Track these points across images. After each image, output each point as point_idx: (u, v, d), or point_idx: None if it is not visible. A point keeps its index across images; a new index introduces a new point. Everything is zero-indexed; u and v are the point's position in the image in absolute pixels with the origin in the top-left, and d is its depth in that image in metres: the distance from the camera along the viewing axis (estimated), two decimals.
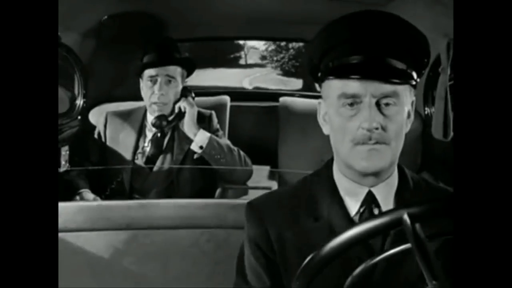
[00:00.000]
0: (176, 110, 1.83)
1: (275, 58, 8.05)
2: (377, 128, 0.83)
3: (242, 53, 8.27)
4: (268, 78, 7.63)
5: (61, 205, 1.19)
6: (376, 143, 0.84)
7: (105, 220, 1.24)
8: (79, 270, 1.23)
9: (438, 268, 0.62)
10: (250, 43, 7.78)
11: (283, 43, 7.36)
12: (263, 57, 8.24)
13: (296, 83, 7.03)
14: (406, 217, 0.66)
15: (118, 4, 1.95)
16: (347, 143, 0.86)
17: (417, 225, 0.65)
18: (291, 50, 7.65)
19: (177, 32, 2.32)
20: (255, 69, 8.12)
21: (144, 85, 1.82)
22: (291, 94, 2.74)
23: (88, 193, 1.78)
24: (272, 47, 7.75)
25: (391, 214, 0.68)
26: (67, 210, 1.24)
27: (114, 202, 1.31)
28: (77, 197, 1.76)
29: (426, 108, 2.05)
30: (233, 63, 8.05)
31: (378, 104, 0.84)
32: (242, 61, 8.28)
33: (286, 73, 7.72)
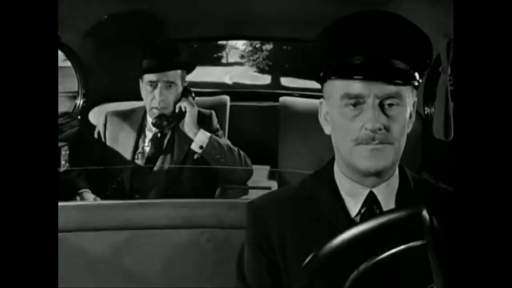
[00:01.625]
0: (177, 110, 1.83)
1: (251, 58, 9.38)
2: (380, 129, 0.83)
3: (224, 53, 9.54)
4: (245, 75, 8.68)
5: (61, 205, 1.19)
6: (380, 143, 0.84)
7: (105, 220, 1.24)
8: (79, 270, 1.23)
9: (448, 266, 0.63)
10: (232, 43, 9.06)
11: (258, 45, 8.76)
12: (242, 56, 9.53)
13: (266, 79, 8.32)
14: (425, 212, 0.66)
15: (118, 4, 1.95)
16: (349, 143, 0.86)
17: (435, 221, 0.66)
18: (265, 52, 9.00)
19: (178, 31, 2.32)
20: (235, 67, 9.31)
21: (144, 89, 1.82)
22: (291, 94, 2.73)
23: (88, 193, 1.77)
24: (250, 48, 9.03)
25: (410, 209, 0.69)
26: (67, 210, 1.24)
27: (114, 202, 1.31)
28: (77, 197, 1.76)
29: (426, 108, 2.05)
30: (216, 61, 9.28)
31: (381, 105, 0.84)
32: (224, 60, 9.55)
33: (261, 71, 9.00)
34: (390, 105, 0.85)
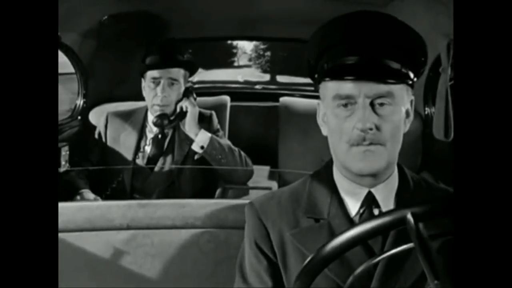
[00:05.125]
0: (178, 110, 1.83)
1: (257, 61, 12.46)
2: (371, 129, 0.83)
3: (236, 57, 12.82)
4: (253, 74, 11.56)
5: (61, 205, 1.19)
6: (371, 144, 0.84)
7: (105, 220, 1.24)
8: (79, 270, 1.23)
9: (440, 268, 0.63)
10: (242, 48, 12.53)
11: (261, 52, 12.10)
12: (250, 59, 12.75)
13: (267, 77, 11.50)
14: (409, 216, 0.66)
15: (118, 4, 1.95)
16: (343, 144, 0.87)
17: (420, 225, 0.66)
18: (267, 56, 12.19)
19: (179, 32, 2.32)
20: (245, 68, 12.37)
21: (147, 86, 1.82)
22: (291, 94, 2.74)
23: (88, 193, 1.78)
24: (255, 54, 12.41)
25: (394, 214, 0.68)
26: (67, 210, 1.24)
27: (114, 202, 1.30)
28: (78, 197, 1.76)
29: (426, 108, 2.05)
30: (230, 64, 12.50)
31: (372, 105, 0.84)
32: (236, 63, 12.83)
33: (263, 71, 12.05)
34: (381, 104, 0.85)
